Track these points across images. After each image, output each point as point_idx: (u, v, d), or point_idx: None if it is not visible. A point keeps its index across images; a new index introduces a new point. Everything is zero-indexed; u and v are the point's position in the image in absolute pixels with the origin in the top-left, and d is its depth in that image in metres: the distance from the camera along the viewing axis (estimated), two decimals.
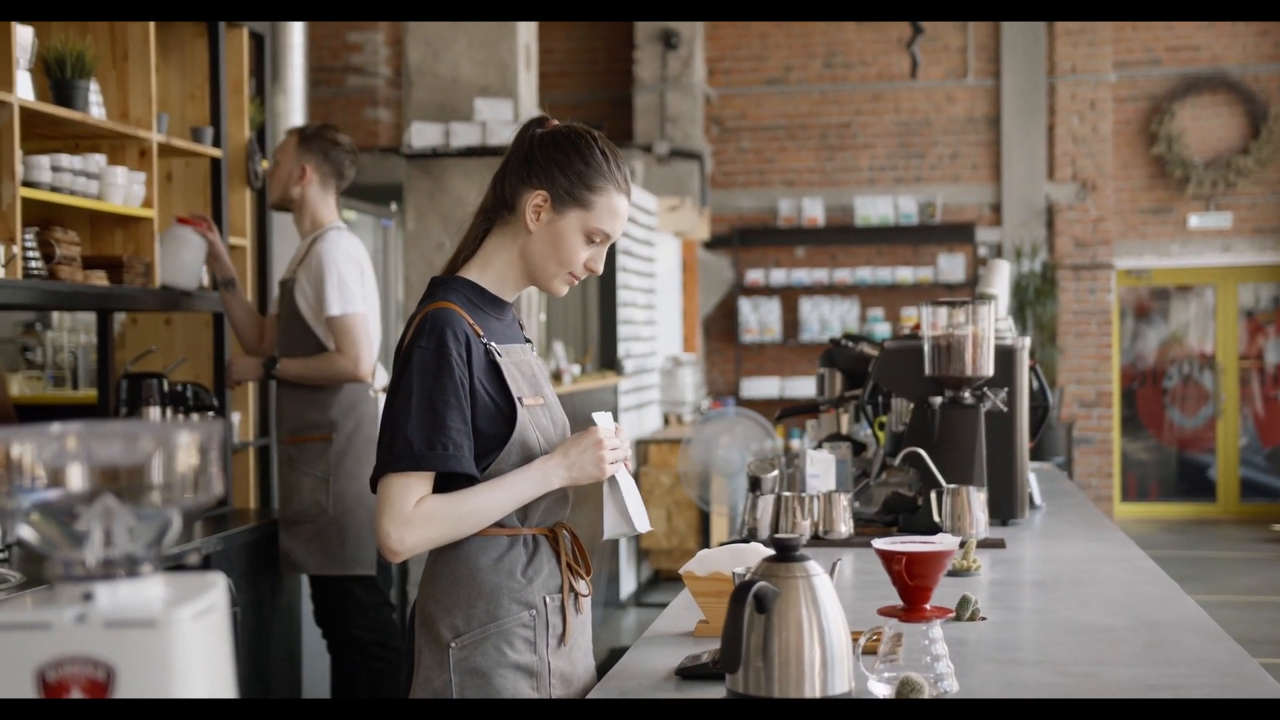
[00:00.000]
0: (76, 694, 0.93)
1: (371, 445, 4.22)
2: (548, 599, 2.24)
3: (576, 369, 7.63)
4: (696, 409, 9.80)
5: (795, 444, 9.23)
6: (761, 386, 11.25)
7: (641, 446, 8.65)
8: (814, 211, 11.29)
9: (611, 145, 2.27)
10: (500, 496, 2.18)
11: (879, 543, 1.93)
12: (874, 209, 11.19)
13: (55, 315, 6.80)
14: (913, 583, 1.89)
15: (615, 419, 2.29)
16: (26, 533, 0.98)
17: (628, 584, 8.01)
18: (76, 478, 0.97)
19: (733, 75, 11.48)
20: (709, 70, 11.42)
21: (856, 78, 11.39)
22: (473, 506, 2.17)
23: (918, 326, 3.83)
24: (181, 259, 4.33)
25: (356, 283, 4.22)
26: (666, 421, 9.72)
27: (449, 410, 2.15)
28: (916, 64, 9.17)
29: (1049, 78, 11.11)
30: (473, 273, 2.28)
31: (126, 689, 0.93)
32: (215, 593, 1.00)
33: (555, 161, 2.23)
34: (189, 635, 0.95)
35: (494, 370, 2.20)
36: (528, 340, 2.40)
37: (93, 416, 4.45)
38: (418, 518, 2.14)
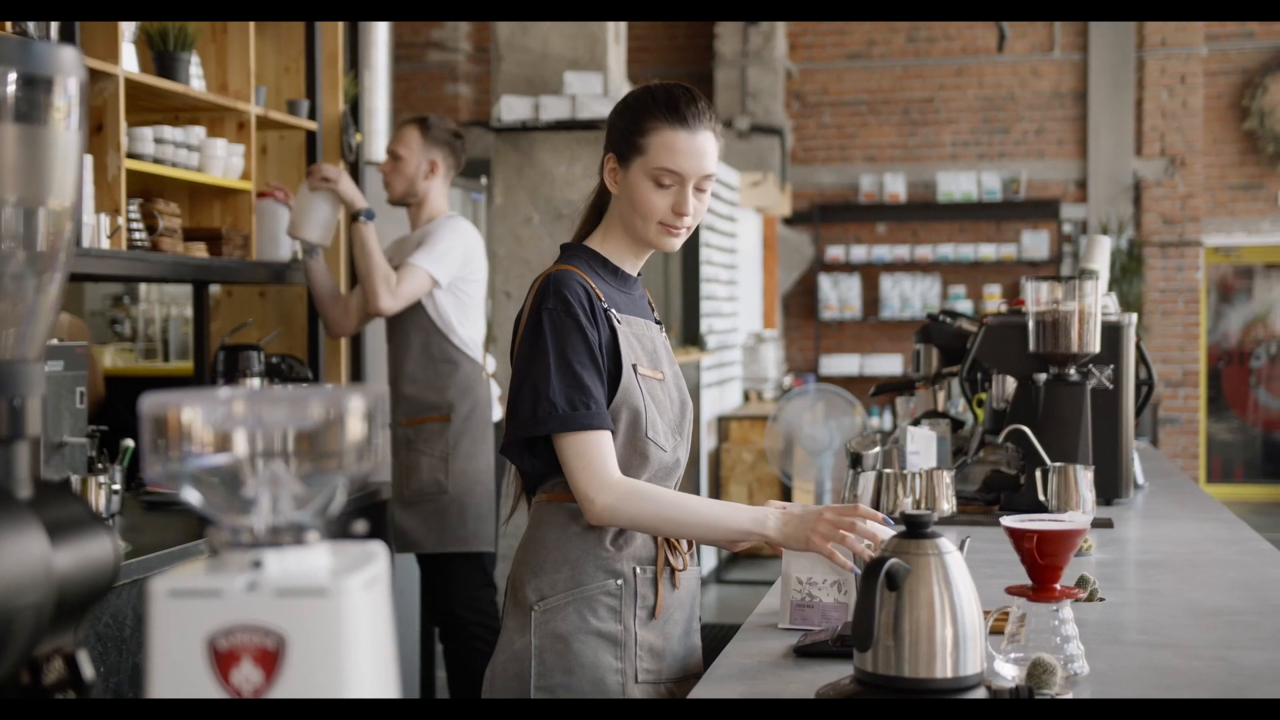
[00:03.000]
0: (247, 662, 0.92)
1: (487, 425, 4.28)
2: (638, 569, 2.22)
3: None
4: (778, 386, 9.75)
5: (876, 421, 9.16)
6: (841, 364, 11.17)
7: (723, 423, 8.62)
8: (895, 187, 11.18)
9: (674, 87, 2.24)
10: (705, 517, 2.19)
11: (1008, 520, 1.89)
12: (957, 185, 11.06)
13: (143, 287, 6.87)
14: (1043, 561, 1.85)
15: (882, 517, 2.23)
16: (193, 497, 0.96)
17: (708, 561, 7.99)
18: (243, 443, 0.96)
19: (814, 50, 11.38)
20: (790, 45, 11.33)
21: (940, 52, 11.25)
22: (680, 514, 2.18)
23: (1020, 302, 3.77)
24: (314, 216, 4.27)
25: (454, 260, 4.22)
26: (747, 398, 9.68)
27: (585, 369, 2.16)
28: (1004, 38, 9.03)
29: (1138, 51, 10.92)
30: (594, 243, 2.31)
31: (296, 658, 0.92)
32: (379, 563, 0.98)
33: (612, 122, 2.29)
34: (358, 605, 0.93)
35: (612, 335, 2.20)
36: (658, 321, 2.40)
37: (189, 387, 4.49)
38: (625, 489, 2.15)
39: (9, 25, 3.26)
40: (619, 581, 2.21)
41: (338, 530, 1.00)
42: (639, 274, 2.37)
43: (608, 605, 2.20)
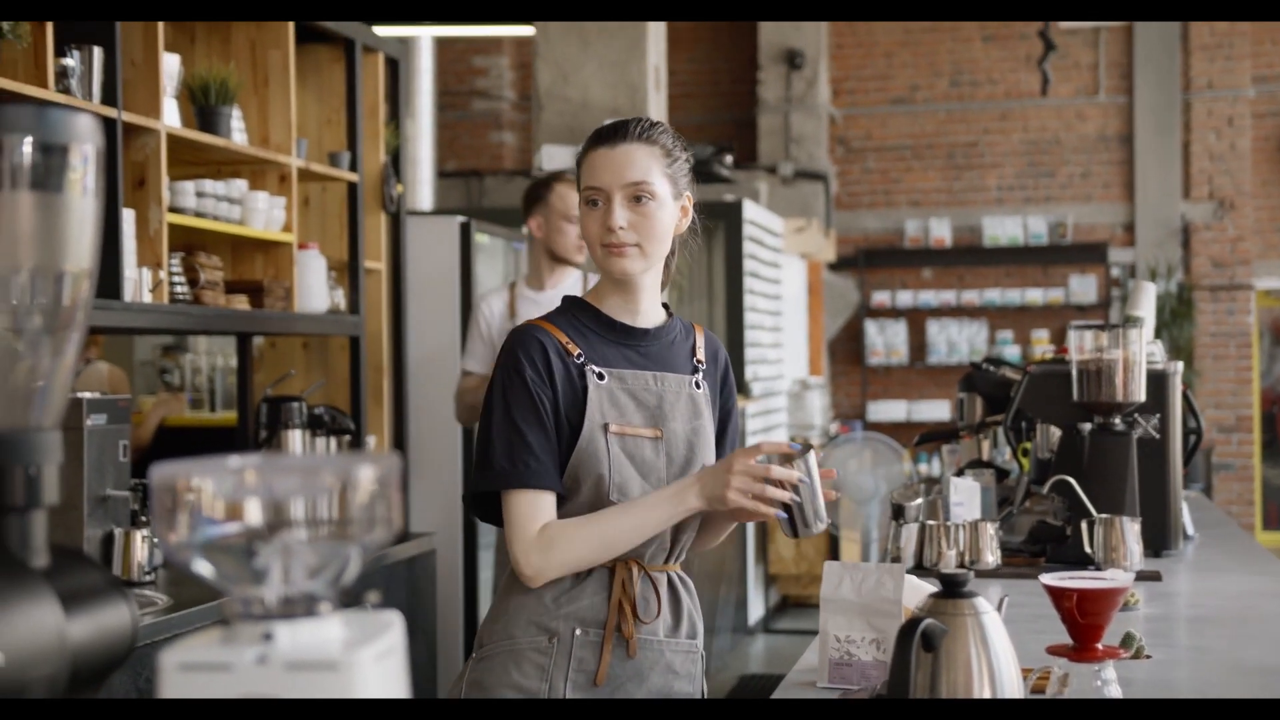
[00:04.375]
0: None
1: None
2: (579, 630, 2.16)
3: None
4: (824, 433, 9.70)
5: (924, 468, 9.09)
6: (888, 410, 11.11)
7: None
8: (941, 232, 11.14)
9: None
10: (631, 519, 2.14)
11: (1047, 578, 1.85)
12: (1002, 229, 11.01)
13: (192, 338, 6.92)
14: (1084, 621, 1.81)
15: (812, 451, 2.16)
16: (204, 568, 0.95)
17: (755, 610, 7.93)
18: (255, 512, 0.94)
19: (857, 95, 11.38)
20: (833, 90, 11.33)
21: (984, 96, 11.22)
22: (597, 530, 2.13)
23: (1063, 351, 3.73)
24: None
25: None
26: None
27: (529, 427, 2.14)
28: (1048, 81, 8.99)
29: (1184, 94, 10.86)
30: (591, 295, 2.30)
31: None
32: (394, 633, 0.97)
33: None
34: (369, 677, 0.92)
35: (579, 392, 2.17)
36: (695, 371, 2.31)
37: (232, 439, 4.50)
38: (542, 541, 2.12)
39: (51, 58, 3.29)
40: (551, 640, 2.16)
41: (352, 600, 0.99)
42: (664, 323, 2.30)
43: (535, 663, 2.16)
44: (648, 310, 2.28)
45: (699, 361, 2.32)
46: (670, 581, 2.25)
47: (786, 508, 2.12)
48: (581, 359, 2.19)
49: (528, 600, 2.17)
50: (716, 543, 2.41)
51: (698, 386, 2.29)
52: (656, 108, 6.12)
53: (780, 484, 2.10)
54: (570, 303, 2.29)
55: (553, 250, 4.41)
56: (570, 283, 4.49)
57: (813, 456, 2.13)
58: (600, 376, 2.19)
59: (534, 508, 2.13)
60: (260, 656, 0.90)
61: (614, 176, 2.18)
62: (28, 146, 0.99)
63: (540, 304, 4.39)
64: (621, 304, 2.26)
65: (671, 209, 2.23)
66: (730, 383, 2.38)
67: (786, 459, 2.12)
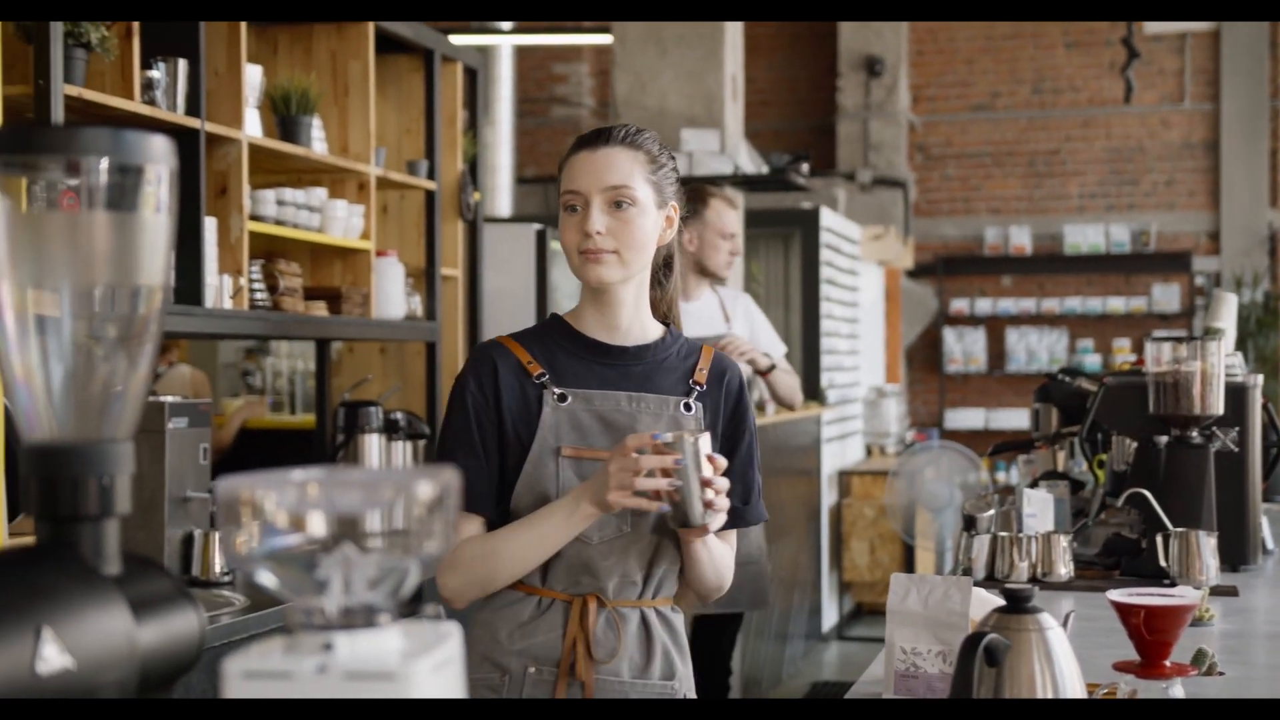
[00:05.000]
0: None
1: None
2: (532, 669, 2.08)
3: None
4: (900, 441, 9.64)
5: (1001, 477, 9.01)
6: (966, 418, 11.02)
7: (844, 478, 8.55)
8: (1021, 239, 11.04)
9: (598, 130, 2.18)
10: (530, 534, 2.04)
11: (1114, 594, 1.84)
12: (1084, 237, 10.89)
13: (274, 341, 7.02)
14: (1151, 638, 1.80)
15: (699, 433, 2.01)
16: (267, 578, 0.98)
17: (829, 617, 7.91)
18: (317, 525, 0.97)
19: (937, 102, 11.31)
20: (913, 97, 11.28)
21: (1066, 103, 11.11)
22: (497, 546, 2.06)
23: (1140, 362, 3.69)
24: None
25: None
26: (869, 453, 9.59)
27: (459, 447, 2.09)
28: (1131, 88, 8.89)
29: (1272, 100, 10.69)
30: (572, 314, 2.22)
31: None
32: (451, 644, 0.99)
33: None
34: (425, 688, 0.94)
35: (532, 412, 2.10)
36: (689, 393, 2.18)
37: (310, 442, 4.57)
38: (450, 562, 2.05)
39: (137, 71, 3.36)
40: (503, 676, 2.09)
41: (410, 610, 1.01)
42: (653, 342, 2.19)
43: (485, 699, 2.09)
44: (629, 327, 2.18)
45: (696, 383, 2.19)
46: (644, 619, 2.14)
47: (673, 499, 1.98)
48: (543, 378, 2.12)
49: (483, 634, 2.11)
50: (699, 572, 2.17)
51: (687, 409, 2.16)
52: (733, 116, 6.12)
53: (666, 477, 1.97)
54: (550, 320, 2.23)
55: (703, 265, 4.44)
56: (707, 296, 4.52)
57: (691, 442, 1.98)
58: (563, 398, 2.11)
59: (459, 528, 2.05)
60: (320, 666, 0.93)
61: (593, 180, 2.11)
62: (104, 167, 1.02)
63: (690, 314, 4.42)
64: (599, 320, 2.17)
65: (654, 217, 2.14)
66: (742, 409, 2.23)
67: (660, 449, 1.99)
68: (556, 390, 2.11)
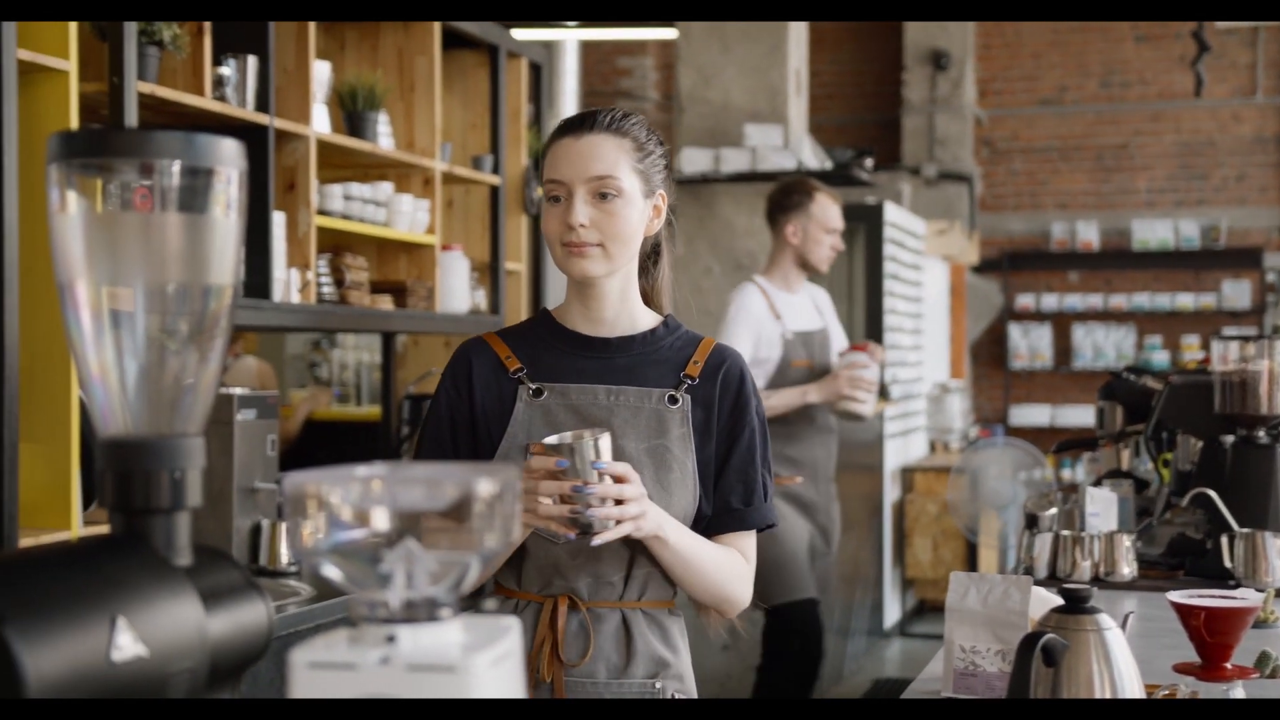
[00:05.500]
0: None
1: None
2: None
3: None
4: (964, 437, 9.59)
5: (1066, 474, 8.94)
6: (1031, 414, 10.94)
7: (907, 474, 8.51)
8: (1088, 235, 10.94)
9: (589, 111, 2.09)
10: None
11: (1174, 595, 1.84)
12: (1152, 232, 10.77)
13: (340, 333, 7.09)
14: (1212, 640, 1.79)
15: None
16: (332, 571, 1.00)
17: (892, 613, 7.89)
18: (381, 520, 0.99)
19: (1004, 96, 11.22)
20: (979, 91, 11.20)
21: (1135, 97, 10.99)
22: None
23: (1207, 360, 3.66)
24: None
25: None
26: (933, 449, 9.54)
27: (430, 443, 2.09)
28: (1201, 83, 8.78)
29: None
30: (559, 308, 2.16)
31: None
32: (511, 638, 1.01)
33: None
34: (485, 681, 0.96)
35: (506, 406, 2.06)
36: (678, 385, 2.08)
37: (375, 434, 4.62)
38: None
39: (209, 68, 3.41)
40: None
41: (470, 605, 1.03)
42: (641, 334, 2.11)
43: None
44: (614, 319, 2.11)
45: (687, 375, 2.09)
46: (625, 621, 2.06)
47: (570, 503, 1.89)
48: (519, 374, 2.07)
49: None
50: (677, 579, 2.07)
51: (672, 402, 2.07)
52: (797, 110, 6.12)
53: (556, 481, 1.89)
54: (540, 314, 2.18)
55: (805, 259, 4.45)
56: (804, 290, 4.55)
57: (588, 443, 1.88)
58: (538, 393, 2.05)
59: None
60: (384, 658, 0.95)
61: (577, 169, 2.01)
62: (176, 170, 1.05)
63: (792, 306, 4.45)
64: (582, 312, 2.10)
65: (641, 208, 2.05)
66: (742, 403, 2.11)
67: (542, 453, 1.91)
68: (532, 385, 2.06)
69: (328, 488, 0.98)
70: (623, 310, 2.10)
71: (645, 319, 2.13)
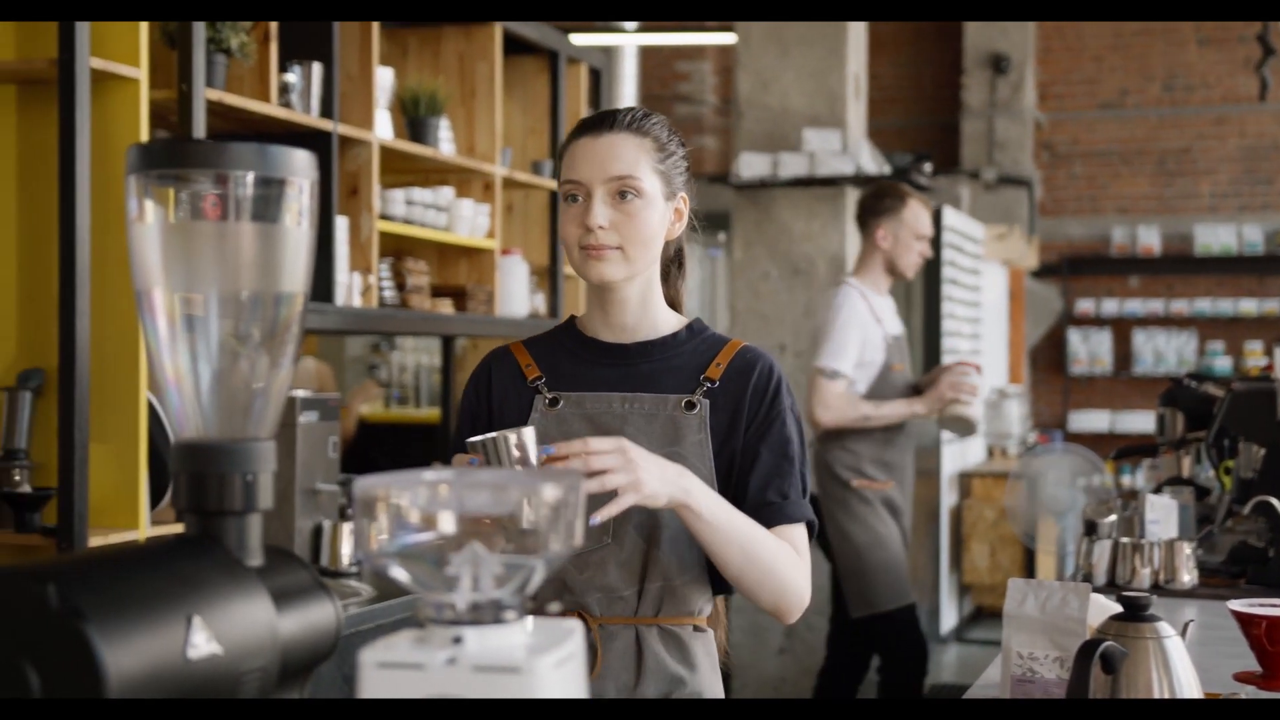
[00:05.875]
0: None
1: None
2: None
3: None
4: (1023, 442, 9.53)
5: (1126, 481, 8.87)
6: (1090, 420, 10.86)
7: (965, 479, 8.48)
8: (1149, 240, 10.84)
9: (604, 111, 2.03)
10: None
11: (1235, 604, 1.83)
12: (1215, 237, 10.66)
13: (400, 336, 7.16)
14: (1273, 649, 1.79)
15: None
16: (399, 574, 1.03)
17: (949, 619, 7.86)
18: (448, 524, 1.02)
19: (1065, 100, 11.15)
20: (1040, 95, 11.13)
21: (1198, 101, 10.89)
22: None
23: (1270, 367, 3.63)
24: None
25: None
26: (990, 454, 9.49)
27: (451, 455, 1.98)
28: (1266, 86, 8.68)
29: None
30: (583, 315, 2.12)
31: None
32: (575, 640, 1.03)
33: None
34: (549, 682, 0.98)
35: (522, 414, 2.03)
36: (695, 390, 2.02)
37: (434, 437, 4.66)
38: None
39: (275, 75, 3.45)
40: None
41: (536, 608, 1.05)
42: (662, 339, 2.05)
43: None
44: (634, 325, 2.05)
45: (707, 379, 2.02)
46: (638, 638, 1.98)
47: None
48: (538, 382, 2.04)
49: None
50: (721, 565, 1.96)
51: (690, 407, 2.00)
52: (856, 115, 6.11)
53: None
54: (566, 322, 2.13)
55: (894, 264, 4.46)
56: (888, 294, 4.56)
57: (510, 441, 1.81)
58: (554, 402, 2.02)
59: None
60: (450, 658, 0.97)
61: (596, 169, 1.95)
62: (250, 181, 1.08)
63: (885, 310, 4.46)
64: (602, 319, 2.05)
65: (662, 210, 1.99)
66: (769, 406, 2.02)
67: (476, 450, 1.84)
68: (549, 394, 2.02)
69: (397, 491, 1.01)
70: (644, 316, 2.05)
71: (668, 323, 2.07)
